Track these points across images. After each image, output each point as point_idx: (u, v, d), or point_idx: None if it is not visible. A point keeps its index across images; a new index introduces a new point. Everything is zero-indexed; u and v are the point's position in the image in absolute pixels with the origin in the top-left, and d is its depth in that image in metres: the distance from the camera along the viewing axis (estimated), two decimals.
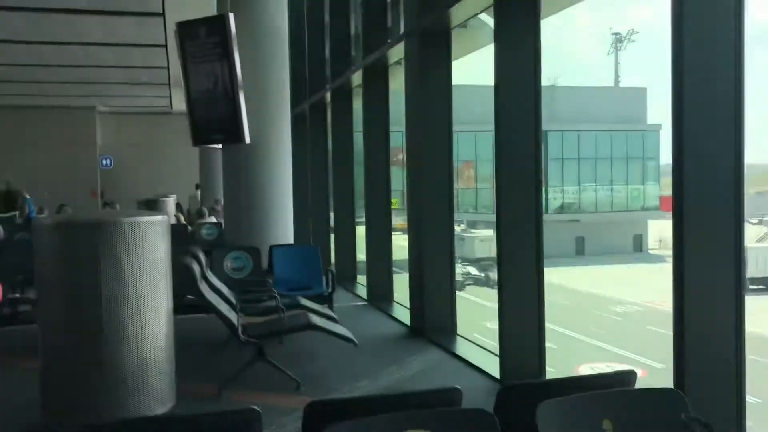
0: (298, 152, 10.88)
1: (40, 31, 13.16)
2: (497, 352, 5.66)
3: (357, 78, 9.74)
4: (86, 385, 4.27)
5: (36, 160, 23.80)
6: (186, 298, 6.62)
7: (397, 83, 8.65)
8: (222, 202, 11.19)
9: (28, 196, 20.69)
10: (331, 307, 6.86)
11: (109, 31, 13.45)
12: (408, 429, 2.24)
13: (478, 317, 17.14)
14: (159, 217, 4.64)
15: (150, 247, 4.43)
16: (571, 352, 18.43)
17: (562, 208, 36.39)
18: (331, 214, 11.60)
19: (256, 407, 2.28)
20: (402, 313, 8.14)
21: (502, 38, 5.43)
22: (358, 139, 10.15)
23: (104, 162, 24.76)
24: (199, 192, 21.30)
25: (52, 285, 4.32)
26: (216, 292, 5.74)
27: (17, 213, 19.43)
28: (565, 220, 34.87)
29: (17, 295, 6.85)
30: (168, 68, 16.47)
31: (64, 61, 15.98)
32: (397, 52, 7.97)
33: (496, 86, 5.42)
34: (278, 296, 5.95)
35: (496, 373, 5.50)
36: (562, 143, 35.28)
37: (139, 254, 4.35)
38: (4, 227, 11.54)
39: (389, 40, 8.35)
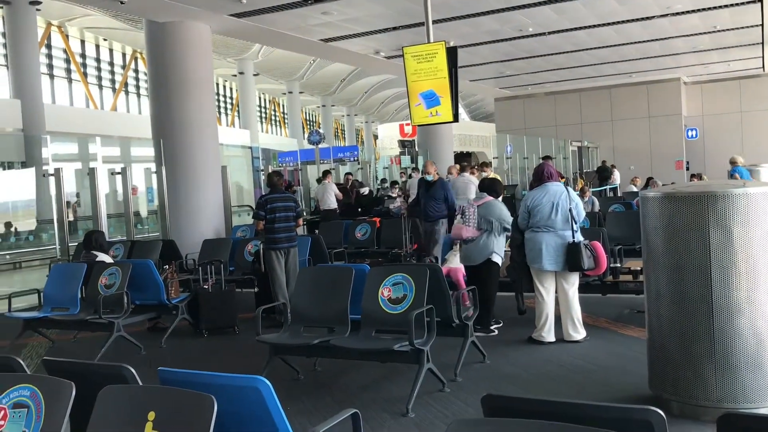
0: None
1: (631, 10, 13.58)
2: None
3: None
4: (694, 358, 4.18)
5: (623, 136, 24.95)
6: None
7: None
8: None
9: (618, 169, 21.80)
10: None
11: None
12: None
13: None
14: None
15: (764, 219, 4.09)
16: None
17: None
18: None
19: (657, 410, 2.07)
20: None
21: None
22: None
23: (689, 133, 24.35)
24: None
25: (660, 255, 4.34)
26: None
27: (607, 186, 20.71)
28: None
29: (617, 265, 7.20)
30: (762, 26, 15.21)
31: (650, 36, 16.21)
32: None
33: None
34: None
35: None
36: None
37: (751, 226, 4.07)
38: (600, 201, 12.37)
39: None
